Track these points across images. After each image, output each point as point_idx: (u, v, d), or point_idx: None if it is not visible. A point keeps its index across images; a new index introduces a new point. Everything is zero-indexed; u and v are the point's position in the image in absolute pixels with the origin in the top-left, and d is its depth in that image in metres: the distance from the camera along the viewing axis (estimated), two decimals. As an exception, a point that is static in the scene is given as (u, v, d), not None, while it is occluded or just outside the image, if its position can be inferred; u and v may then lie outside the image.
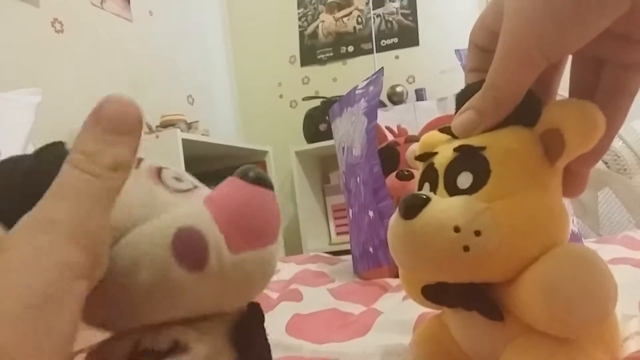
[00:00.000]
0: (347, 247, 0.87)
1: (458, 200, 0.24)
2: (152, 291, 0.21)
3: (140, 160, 0.26)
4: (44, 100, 1.14)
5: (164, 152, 1.42)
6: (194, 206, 0.23)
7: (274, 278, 0.77)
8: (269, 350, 0.26)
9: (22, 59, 1.40)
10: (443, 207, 0.24)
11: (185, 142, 1.42)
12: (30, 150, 0.92)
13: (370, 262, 0.72)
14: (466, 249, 0.23)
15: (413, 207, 0.24)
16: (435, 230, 0.24)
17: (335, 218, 2.34)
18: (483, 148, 0.25)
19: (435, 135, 0.30)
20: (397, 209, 0.25)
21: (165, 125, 1.62)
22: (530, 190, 0.24)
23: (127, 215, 0.22)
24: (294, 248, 2.16)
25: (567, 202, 1.01)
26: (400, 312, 0.45)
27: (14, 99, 1.09)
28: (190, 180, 0.27)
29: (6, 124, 1.00)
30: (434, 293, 0.28)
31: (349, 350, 0.38)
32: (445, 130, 0.28)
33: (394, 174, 0.77)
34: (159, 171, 0.26)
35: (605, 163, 1.40)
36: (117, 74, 1.76)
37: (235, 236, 0.22)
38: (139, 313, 0.21)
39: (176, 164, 1.39)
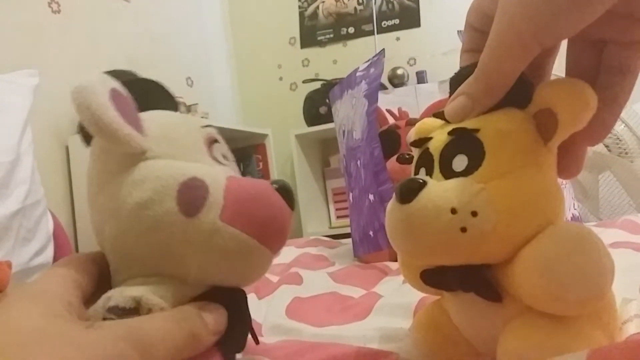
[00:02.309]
0: (347, 230, 0.87)
1: (454, 182, 0.25)
2: (154, 228, 0.24)
3: (208, 126, 0.30)
4: (41, 81, 1.13)
5: (163, 134, 1.41)
6: (215, 171, 0.26)
7: (274, 261, 0.77)
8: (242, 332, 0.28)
9: (19, 40, 1.38)
10: (439, 189, 0.24)
11: (184, 124, 1.41)
12: (28, 132, 0.91)
13: (371, 246, 0.72)
14: (463, 230, 0.23)
15: (409, 191, 0.24)
16: (432, 213, 0.24)
17: (336, 201, 2.35)
18: (477, 130, 0.25)
19: (429, 121, 0.30)
20: (394, 194, 0.25)
21: (164, 107, 1.61)
22: (524, 170, 0.24)
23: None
24: (294, 231, 2.16)
25: (568, 185, 1.01)
26: (400, 295, 0.45)
27: (11, 81, 1.08)
28: (232, 164, 0.31)
29: (3, 106, 0.98)
30: (432, 277, 0.28)
31: (348, 333, 0.38)
32: (440, 115, 0.28)
33: (395, 157, 0.76)
34: (212, 142, 0.29)
35: (607, 146, 1.39)
36: (114, 55, 1.74)
37: (233, 210, 0.25)
38: (135, 256, 0.24)
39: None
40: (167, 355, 0.21)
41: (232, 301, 0.27)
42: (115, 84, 0.26)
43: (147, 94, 0.31)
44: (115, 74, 0.27)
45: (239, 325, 0.27)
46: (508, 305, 0.25)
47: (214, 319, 0.24)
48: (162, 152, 0.26)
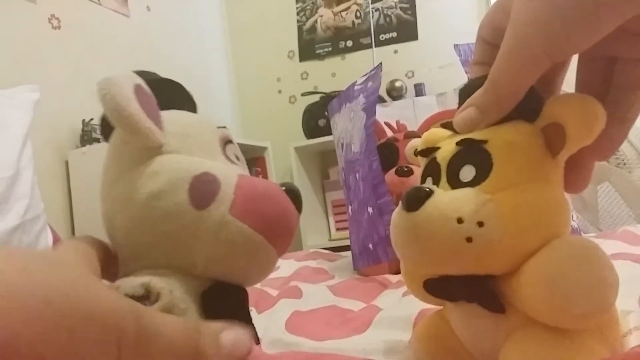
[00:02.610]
0: (347, 242, 0.87)
1: (461, 192, 0.25)
2: (165, 219, 0.25)
3: (222, 127, 0.32)
4: (41, 97, 1.13)
5: (162, 148, 1.41)
6: (227, 168, 0.28)
7: (274, 275, 0.77)
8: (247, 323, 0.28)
9: (19, 56, 1.39)
10: (446, 199, 0.24)
11: (184, 138, 1.42)
12: (28, 147, 0.91)
13: (370, 259, 0.72)
14: (469, 240, 0.23)
15: (416, 199, 0.24)
16: (439, 222, 0.24)
17: (335, 214, 2.34)
18: (485, 141, 0.25)
19: (437, 131, 0.30)
20: (400, 202, 0.25)
21: (164, 121, 1.61)
22: (532, 183, 0.25)
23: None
24: (293, 243, 2.15)
25: (567, 197, 1.01)
26: (400, 308, 0.45)
27: (11, 96, 1.09)
28: (243, 164, 0.32)
29: (4, 121, 0.99)
30: (436, 286, 0.28)
31: (348, 347, 0.38)
32: (447, 125, 0.29)
33: (393, 170, 0.77)
34: (227, 142, 0.31)
35: (605, 157, 1.39)
36: (114, 70, 1.74)
37: (242, 206, 0.26)
38: (145, 247, 0.25)
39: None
40: (162, 350, 0.19)
41: (236, 298, 0.27)
42: (140, 81, 0.27)
43: (168, 93, 0.33)
44: (139, 73, 0.28)
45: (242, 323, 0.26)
46: (511, 316, 0.25)
47: (232, 341, 0.21)
48: (178, 147, 0.27)
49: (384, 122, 0.93)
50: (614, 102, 0.27)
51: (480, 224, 0.23)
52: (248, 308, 0.30)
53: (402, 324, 0.42)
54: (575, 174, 0.28)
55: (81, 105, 1.57)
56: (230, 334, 0.22)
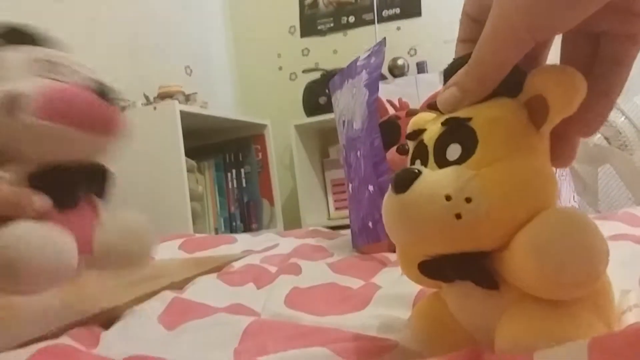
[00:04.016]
0: (346, 222, 0.87)
1: (448, 170, 0.25)
2: None
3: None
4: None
5: (161, 124, 1.40)
6: (34, 82, 0.36)
7: (273, 252, 0.77)
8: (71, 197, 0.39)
9: (16, 27, 1.37)
10: (433, 178, 0.25)
11: (183, 114, 1.41)
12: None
13: (370, 237, 0.72)
14: (458, 216, 0.24)
15: (404, 180, 0.25)
16: (427, 201, 0.24)
17: (334, 193, 2.35)
18: (469, 119, 0.26)
19: (423, 115, 0.30)
20: (390, 185, 0.26)
21: (163, 96, 1.60)
22: (517, 155, 0.25)
23: None
24: (293, 222, 2.17)
25: (568, 178, 1.00)
26: (399, 286, 0.45)
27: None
28: (73, 74, 0.40)
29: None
30: (429, 268, 0.28)
31: (347, 323, 0.38)
32: (433, 106, 0.29)
33: (395, 148, 0.76)
34: (42, 62, 0.39)
35: (607, 139, 1.39)
36: (114, 44, 1.72)
37: (46, 108, 0.35)
38: None
39: (174, 137, 1.38)
40: None
41: (60, 176, 0.38)
42: None
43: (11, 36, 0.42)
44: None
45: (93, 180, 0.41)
46: (505, 293, 0.25)
47: (39, 200, 0.35)
48: None
49: (386, 100, 0.92)
50: (599, 77, 0.27)
51: (468, 200, 0.24)
52: (79, 182, 0.40)
53: (401, 302, 0.42)
54: (561, 150, 0.28)
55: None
56: (38, 196, 0.35)
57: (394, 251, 0.70)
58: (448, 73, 0.28)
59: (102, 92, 0.38)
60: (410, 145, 0.30)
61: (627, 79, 0.28)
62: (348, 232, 0.86)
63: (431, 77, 1.97)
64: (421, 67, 2.17)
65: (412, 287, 0.43)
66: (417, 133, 0.29)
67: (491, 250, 0.25)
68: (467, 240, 0.24)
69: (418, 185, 0.24)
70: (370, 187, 0.72)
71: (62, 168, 0.38)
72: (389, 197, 0.26)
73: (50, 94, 0.36)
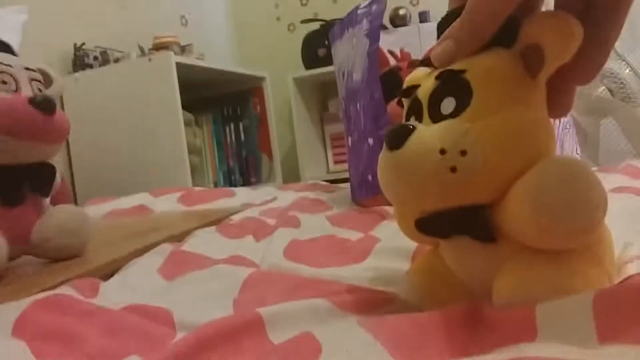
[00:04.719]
0: (345, 175, 0.87)
1: (442, 124, 0.25)
2: None
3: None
4: (30, 18, 1.08)
5: (157, 76, 1.37)
6: None
7: (272, 205, 0.77)
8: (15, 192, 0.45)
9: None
10: (428, 132, 0.24)
11: (179, 66, 1.37)
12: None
13: (369, 190, 0.72)
14: (453, 169, 0.23)
15: (398, 136, 0.25)
16: (422, 156, 0.24)
17: (334, 146, 2.34)
18: (463, 71, 0.25)
19: (418, 72, 0.30)
20: (384, 142, 0.25)
21: (158, 47, 1.56)
22: (513, 106, 0.24)
23: None
24: (291, 176, 2.17)
25: (572, 130, 0.99)
26: (398, 239, 0.45)
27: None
28: (23, 85, 0.45)
29: (-9, 44, 0.95)
30: (426, 225, 0.28)
31: (346, 275, 0.38)
32: (427, 61, 0.28)
33: (396, 100, 0.74)
34: None
35: (610, 91, 1.37)
36: (105, -8, 1.66)
37: None
38: None
39: (170, 90, 1.35)
40: None
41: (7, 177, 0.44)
42: None
43: None
44: None
45: (36, 179, 0.47)
46: (502, 246, 0.25)
47: None
48: None
49: (387, 50, 0.90)
50: (595, 24, 0.26)
51: (463, 153, 0.23)
52: (21, 182, 0.45)
53: (400, 255, 0.42)
54: (558, 99, 0.28)
55: (72, 28, 1.51)
56: None
57: (394, 204, 0.70)
58: (442, 26, 0.27)
59: (38, 103, 0.43)
60: (405, 102, 0.29)
61: (622, 25, 0.27)
62: (347, 185, 0.86)
63: (434, 27, 1.91)
64: (424, 17, 2.10)
65: (411, 241, 0.43)
66: (412, 89, 0.28)
67: (488, 203, 0.25)
68: (464, 193, 0.24)
69: (412, 141, 0.24)
70: (370, 140, 0.71)
71: (6, 170, 0.44)
72: (384, 155, 0.25)
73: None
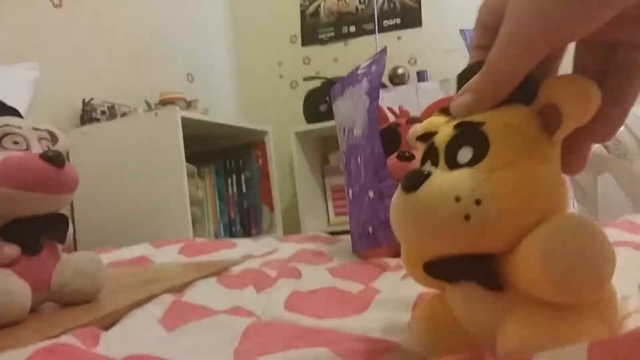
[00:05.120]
0: (346, 227, 0.87)
1: (459, 172, 0.25)
2: None
3: (5, 125, 0.48)
4: (41, 75, 1.12)
5: (162, 130, 1.40)
6: None
7: (273, 256, 0.77)
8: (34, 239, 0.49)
9: (20, 33, 1.38)
10: (444, 179, 0.25)
11: (184, 120, 1.41)
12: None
13: (370, 243, 0.72)
14: (467, 217, 0.24)
15: (414, 180, 0.25)
16: (437, 201, 0.24)
17: (334, 199, 2.35)
18: (482, 124, 0.26)
19: (436, 119, 0.31)
20: (400, 185, 0.26)
21: (164, 103, 1.60)
22: (529, 161, 0.25)
23: None
24: (292, 228, 2.17)
25: (567, 185, 1.01)
26: (400, 291, 0.46)
27: (10, 73, 1.08)
28: (33, 143, 0.49)
29: (4, 99, 0.98)
30: (435, 268, 0.28)
31: (347, 325, 0.38)
32: (445, 110, 0.29)
33: (395, 155, 0.76)
34: (3, 136, 0.47)
35: (606, 147, 1.39)
36: (116, 50, 1.74)
37: (2, 175, 0.44)
38: None
39: (175, 143, 1.38)
40: None
41: (26, 228, 0.47)
42: None
43: None
44: None
45: (53, 228, 0.51)
46: (509, 295, 0.25)
47: (9, 250, 0.46)
48: None
49: (387, 107, 0.93)
50: (613, 86, 0.27)
51: (478, 202, 0.24)
52: (40, 232, 0.49)
53: (401, 305, 0.42)
54: (573, 156, 0.28)
55: (81, 84, 1.56)
56: (8, 246, 0.45)
57: (394, 256, 0.70)
58: (462, 78, 0.28)
59: (49, 157, 0.46)
60: (421, 147, 0.30)
61: None
62: (348, 237, 0.86)
63: (431, 86, 1.97)
64: (421, 76, 2.17)
65: (411, 291, 0.43)
66: (429, 135, 0.29)
67: (498, 252, 0.25)
68: (475, 242, 0.24)
69: (428, 186, 0.25)
70: (371, 193, 0.73)
71: (26, 221, 0.47)
72: (398, 197, 0.26)
73: (7, 165, 0.44)
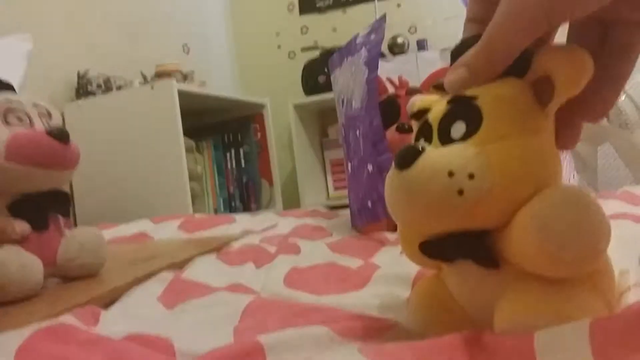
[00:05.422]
0: (345, 201, 0.87)
1: (452, 147, 0.25)
2: None
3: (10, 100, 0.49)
4: (34, 48, 1.10)
5: (159, 104, 1.39)
6: (2, 131, 0.46)
7: (272, 232, 0.77)
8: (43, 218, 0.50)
9: (12, 4, 1.35)
10: (437, 154, 0.25)
11: (181, 93, 1.39)
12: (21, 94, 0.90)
13: (369, 216, 0.72)
14: (460, 192, 0.24)
15: (407, 157, 0.25)
16: (430, 177, 0.24)
17: (334, 172, 2.35)
18: (475, 97, 0.26)
19: (429, 96, 0.30)
20: (393, 162, 0.26)
21: (160, 75, 1.58)
22: (522, 134, 0.25)
23: None
24: (292, 202, 2.17)
25: (568, 156, 1.00)
26: (398, 266, 0.45)
27: (3, 46, 1.06)
28: (35, 119, 0.50)
29: (-2, 72, 0.97)
30: (431, 248, 0.28)
31: (346, 302, 0.38)
32: (439, 87, 0.29)
33: (394, 127, 0.75)
34: (7, 112, 0.48)
35: (607, 117, 1.38)
36: (110, 21, 1.70)
37: (12, 152, 0.45)
38: None
39: (172, 117, 1.37)
40: None
41: (36, 203, 0.49)
42: None
43: None
44: None
45: (58, 203, 0.52)
46: (505, 272, 0.25)
47: (19, 226, 0.46)
48: None
49: (386, 78, 0.91)
50: (607, 64, 0.27)
51: (471, 176, 0.24)
52: (47, 207, 0.50)
53: (400, 281, 0.42)
54: (566, 132, 0.28)
55: (76, 57, 1.54)
56: (19, 222, 0.46)
57: (393, 230, 0.70)
58: (456, 53, 0.28)
59: (56, 134, 0.48)
60: (415, 125, 0.30)
61: (634, 65, 0.27)
62: (347, 212, 0.86)
63: (432, 55, 1.95)
64: (421, 45, 2.14)
65: (411, 267, 0.43)
66: (422, 112, 0.29)
67: (492, 228, 0.25)
68: (469, 217, 0.24)
69: (421, 162, 0.24)
70: (370, 167, 0.72)
71: (33, 197, 0.48)
72: (392, 174, 0.26)
73: (16, 141, 0.46)
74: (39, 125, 0.50)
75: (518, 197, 0.24)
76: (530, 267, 0.24)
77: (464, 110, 0.26)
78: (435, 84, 0.30)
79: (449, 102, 0.27)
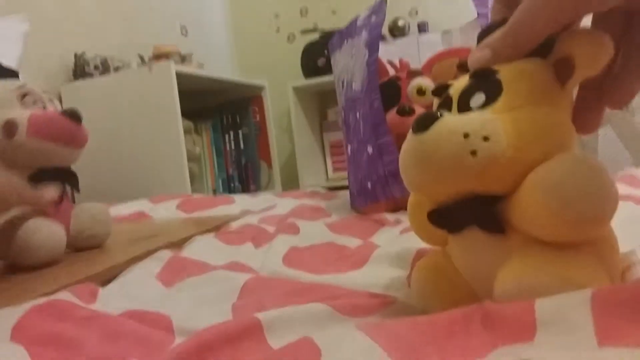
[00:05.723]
0: (344, 183, 0.87)
1: (469, 114, 0.26)
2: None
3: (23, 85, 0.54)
4: (31, 29, 1.09)
5: (157, 85, 1.37)
6: (22, 112, 0.51)
7: (271, 212, 0.77)
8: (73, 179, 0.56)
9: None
10: (454, 119, 0.25)
11: (179, 75, 1.38)
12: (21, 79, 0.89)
13: (368, 198, 0.72)
14: (474, 153, 0.24)
15: (425, 121, 0.25)
16: (445, 138, 0.24)
17: (333, 154, 2.34)
18: (497, 71, 0.26)
19: (446, 62, 0.31)
20: (411, 128, 0.26)
21: (158, 57, 1.56)
22: (539, 105, 0.25)
23: None
24: (291, 184, 2.17)
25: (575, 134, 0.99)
26: (397, 246, 0.45)
27: (1, 27, 1.04)
28: (47, 103, 0.55)
29: (-6, 53, 0.95)
30: (439, 216, 0.28)
31: (345, 281, 0.38)
32: (464, 66, 0.29)
33: (395, 109, 0.75)
34: (23, 96, 0.52)
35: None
36: (107, 2, 1.67)
37: (32, 130, 0.50)
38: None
39: (170, 99, 1.36)
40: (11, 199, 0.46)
41: (53, 176, 0.54)
42: None
43: None
44: None
45: (70, 179, 0.56)
46: (510, 239, 0.25)
47: (48, 192, 0.52)
48: None
49: (387, 60, 0.90)
50: (630, 54, 0.27)
51: (486, 139, 0.24)
52: (63, 180, 0.55)
53: (399, 260, 0.42)
54: (588, 117, 0.29)
55: (73, 38, 1.52)
56: (47, 189, 0.52)
57: (392, 211, 0.70)
58: (483, 35, 0.28)
59: (71, 115, 0.52)
60: (436, 101, 0.31)
61: None
62: (346, 193, 0.86)
63: (433, 38, 1.93)
64: (422, 28, 2.12)
65: (410, 246, 0.43)
66: (443, 88, 0.29)
67: (502, 194, 0.25)
68: (480, 179, 0.24)
69: (438, 126, 0.25)
70: (369, 149, 0.72)
71: (50, 171, 0.53)
72: (408, 139, 0.26)
73: (37, 120, 0.50)
74: (52, 108, 0.55)
75: (530, 162, 0.24)
76: (534, 229, 0.24)
77: (485, 82, 0.27)
78: (459, 64, 0.30)
79: (471, 77, 0.28)
